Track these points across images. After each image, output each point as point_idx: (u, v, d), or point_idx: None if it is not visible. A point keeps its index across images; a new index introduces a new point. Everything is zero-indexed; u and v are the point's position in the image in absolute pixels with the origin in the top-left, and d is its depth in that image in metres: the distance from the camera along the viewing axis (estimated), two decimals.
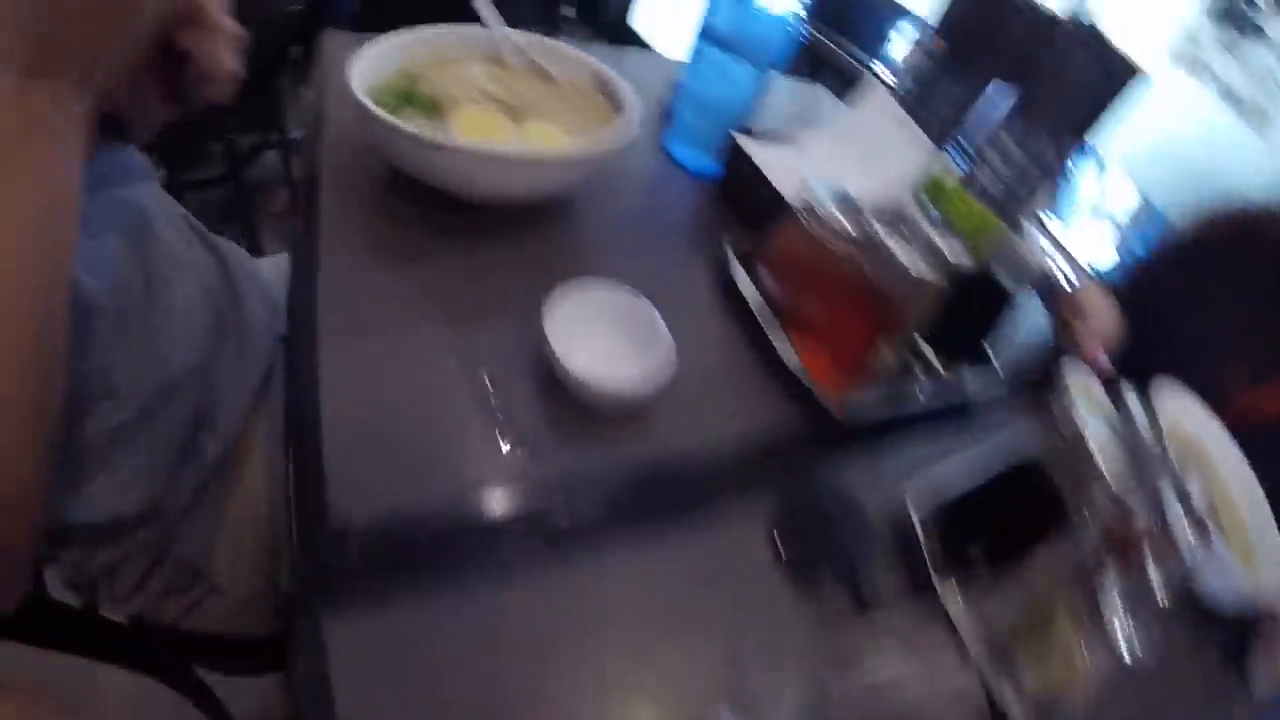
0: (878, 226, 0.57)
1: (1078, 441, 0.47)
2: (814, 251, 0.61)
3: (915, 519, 0.53)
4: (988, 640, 0.48)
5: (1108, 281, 0.86)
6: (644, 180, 0.87)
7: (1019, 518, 0.50)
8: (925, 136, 0.78)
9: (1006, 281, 0.65)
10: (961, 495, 0.55)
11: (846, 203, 0.61)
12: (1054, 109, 0.66)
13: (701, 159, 0.89)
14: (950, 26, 0.78)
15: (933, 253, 0.57)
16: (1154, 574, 0.42)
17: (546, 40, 0.78)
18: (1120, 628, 0.42)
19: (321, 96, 0.76)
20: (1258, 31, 1.49)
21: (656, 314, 0.57)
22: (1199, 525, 0.43)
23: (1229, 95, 1.52)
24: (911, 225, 0.60)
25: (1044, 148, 0.64)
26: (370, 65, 0.65)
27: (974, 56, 0.74)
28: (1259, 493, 0.61)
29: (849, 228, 0.59)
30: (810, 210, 0.62)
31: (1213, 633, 0.61)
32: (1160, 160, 1.60)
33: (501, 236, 0.66)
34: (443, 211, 0.65)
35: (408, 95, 0.67)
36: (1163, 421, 0.49)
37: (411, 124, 0.58)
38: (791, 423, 0.61)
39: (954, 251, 0.58)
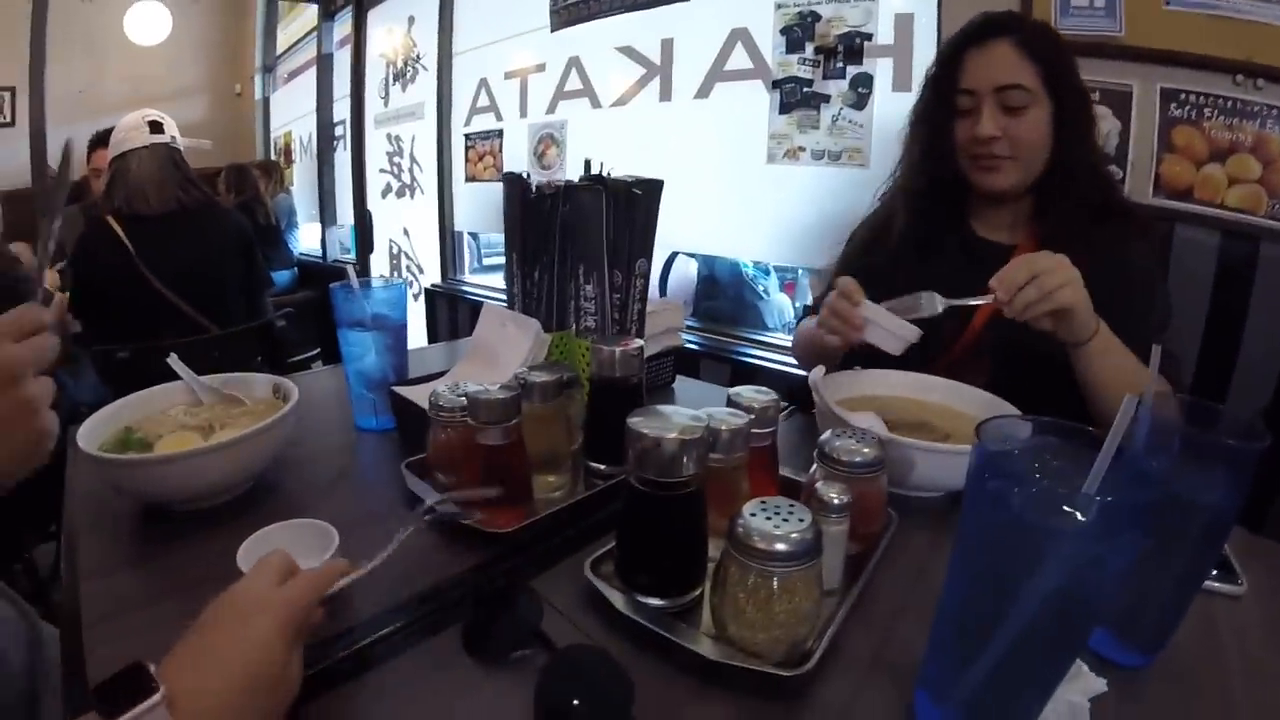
0: (476, 389, 0.77)
1: None
2: (449, 437, 0.84)
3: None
4: None
5: None
6: (339, 452, 1.08)
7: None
8: (532, 319, 1.08)
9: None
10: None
11: (462, 392, 0.82)
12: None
13: (383, 419, 1.11)
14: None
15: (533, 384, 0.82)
16: None
17: (233, 375, 1.03)
18: None
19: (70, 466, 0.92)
20: (821, 99, 2.00)
21: (330, 527, 0.72)
22: None
23: (825, 156, 2.03)
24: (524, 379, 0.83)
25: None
26: (95, 427, 0.85)
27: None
28: None
29: (456, 409, 0.81)
30: (436, 408, 0.83)
31: None
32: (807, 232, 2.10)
33: (228, 526, 0.80)
34: (185, 522, 0.80)
35: (125, 442, 0.88)
36: None
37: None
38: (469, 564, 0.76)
39: (559, 376, 0.83)
